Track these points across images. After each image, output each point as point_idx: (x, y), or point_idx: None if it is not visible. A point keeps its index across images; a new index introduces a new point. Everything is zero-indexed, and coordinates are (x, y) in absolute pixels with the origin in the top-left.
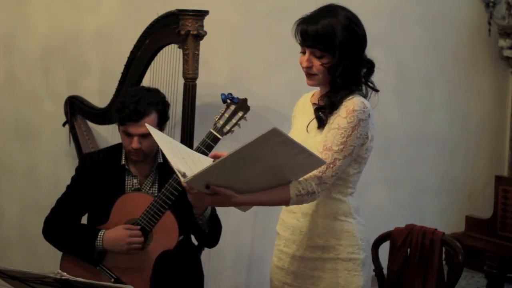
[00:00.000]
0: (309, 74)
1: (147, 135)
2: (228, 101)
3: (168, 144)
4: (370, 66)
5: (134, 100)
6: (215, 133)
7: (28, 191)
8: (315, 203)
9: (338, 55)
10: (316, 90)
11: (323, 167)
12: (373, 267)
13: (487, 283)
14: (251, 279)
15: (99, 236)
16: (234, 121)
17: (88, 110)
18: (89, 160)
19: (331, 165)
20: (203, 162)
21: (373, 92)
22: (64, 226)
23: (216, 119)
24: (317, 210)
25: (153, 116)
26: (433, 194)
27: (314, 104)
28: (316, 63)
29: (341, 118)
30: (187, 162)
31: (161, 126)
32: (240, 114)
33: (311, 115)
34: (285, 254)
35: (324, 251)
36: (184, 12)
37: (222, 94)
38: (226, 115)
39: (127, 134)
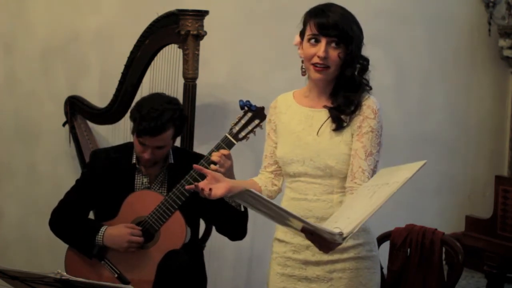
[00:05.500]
0: (321, 67)
1: (162, 147)
2: (246, 108)
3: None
4: (366, 63)
5: (154, 115)
6: (230, 138)
7: (28, 191)
8: (330, 206)
9: (352, 47)
10: (296, 90)
11: (367, 177)
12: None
13: (487, 283)
14: (251, 279)
15: (100, 231)
16: (250, 128)
17: (88, 110)
18: (101, 156)
19: (373, 170)
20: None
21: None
22: (70, 218)
23: (233, 125)
24: (333, 213)
25: (170, 132)
26: (433, 194)
27: (325, 106)
28: (333, 54)
29: (370, 119)
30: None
31: (174, 139)
32: (256, 122)
33: (309, 117)
34: (294, 260)
35: (343, 252)
36: (184, 12)
37: (240, 101)
38: (243, 121)
39: (140, 143)
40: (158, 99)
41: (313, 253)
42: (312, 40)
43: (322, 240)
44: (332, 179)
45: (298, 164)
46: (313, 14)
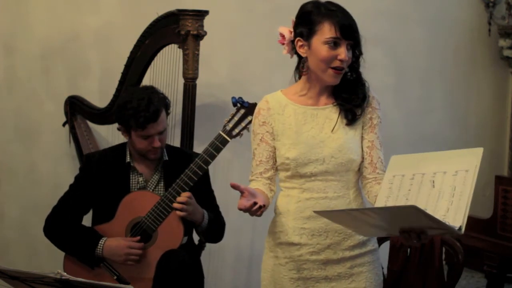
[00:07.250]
0: (341, 70)
1: (163, 131)
2: (238, 105)
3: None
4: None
5: (145, 103)
6: (224, 135)
7: (28, 191)
8: (348, 201)
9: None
10: (283, 89)
11: (384, 166)
12: None
13: (487, 283)
14: (251, 279)
15: (99, 244)
16: (243, 124)
17: (88, 110)
18: (93, 159)
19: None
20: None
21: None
22: (66, 226)
23: (226, 122)
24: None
25: (163, 112)
26: None
27: (335, 102)
28: (349, 57)
29: (378, 110)
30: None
31: (167, 120)
32: (249, 118)
33: (314, 116)
34: (313, 262)
35: (363, 246)
36: (184, 12)
37: (232, 98)
38: (236, 118)
39: (144, 137)
40: (136, 92)
41: (335, 251)
42: (332, 43)
43: (424, 235)
44: (348, 174)
45: (317, 163)
46: (329, 15)
